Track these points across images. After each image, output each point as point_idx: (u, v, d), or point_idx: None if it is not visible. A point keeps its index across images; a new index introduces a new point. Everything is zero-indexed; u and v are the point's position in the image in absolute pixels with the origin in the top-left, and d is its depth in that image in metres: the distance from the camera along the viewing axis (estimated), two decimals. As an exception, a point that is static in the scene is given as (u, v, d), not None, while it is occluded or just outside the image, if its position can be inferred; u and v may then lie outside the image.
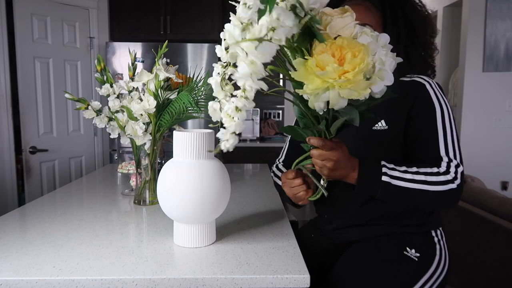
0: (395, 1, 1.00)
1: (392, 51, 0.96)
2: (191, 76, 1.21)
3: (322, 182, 0.89)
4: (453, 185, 0.86)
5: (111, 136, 1.25)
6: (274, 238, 0.96)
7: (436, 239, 1.01)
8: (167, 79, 1.16)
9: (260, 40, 0.59)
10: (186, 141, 0.86)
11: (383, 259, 0.96)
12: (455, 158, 0.89)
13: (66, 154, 2.84)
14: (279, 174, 1.17)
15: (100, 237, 0.96)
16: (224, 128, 0.68)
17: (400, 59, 0.74)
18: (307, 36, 0.63)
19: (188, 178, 0.84)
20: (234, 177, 1.76)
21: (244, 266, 0.80)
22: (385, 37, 0.71)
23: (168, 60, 1.18)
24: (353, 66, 0.61)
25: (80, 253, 0.86)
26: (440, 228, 1.04)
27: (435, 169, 0.87)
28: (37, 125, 2.62)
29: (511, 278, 1.60)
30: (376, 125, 0.98)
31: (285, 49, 0.69)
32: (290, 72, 0.66)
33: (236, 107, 0.64)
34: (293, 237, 0.96)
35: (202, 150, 0.86)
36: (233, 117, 0.65)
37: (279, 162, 1.24)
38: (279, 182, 1.13)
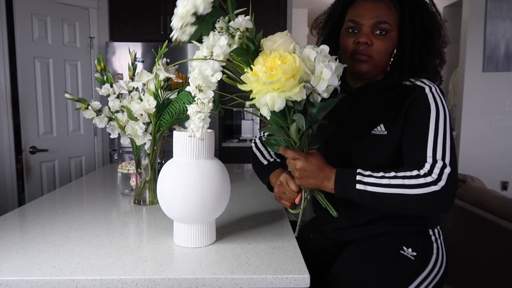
0: (414, 5, 1.00)
1: (407, 54, 1.00)
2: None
3: (305, 194, 0.92)
4: (436, 187, 0.82)
5: (111, 136, 1.26)
6: (274, 238, 0.96)
7: (433, 238, 1.01)
8: (167, 79, 1.16)
9: (204, 58, 0.77)
10: (186, 141, 0.86)
11: (380, 258, 0.96)
12: (442, 159, 0.86)
13: (66, 154, 2.84)
14: (262, 149, 1.20)
15: (100, 237, 0.96)
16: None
17: (344, 65, 0.85)
18: (246, 52, 0.78)
19: (188, 178, 0.84)
20: (234, 177, 1.77)
21: (244, 266, 0.80)
22: (325, 48, 0.81)
23: (168, 60, 1.18)
24: (280, 69, 0.73)
25: (80, 253, 0.86)
26: (438, 227, 1.04)
27: (415, 172, 0.85)
28: (37, 125, 2.62)
29: (511, 278, 1.60)
30: (375, 129, 0.97)
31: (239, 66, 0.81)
32: (238, 85, 0.79)
33: (197, 111, 0.81)
34: (293, 237, 0.97)
35: (202, 150, 0.86)
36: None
37: (263, 135, 1.24)
38: (260, 157, 1.17)
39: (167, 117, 1.16)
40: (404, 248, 0.97)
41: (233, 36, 0.76)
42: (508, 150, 3.40)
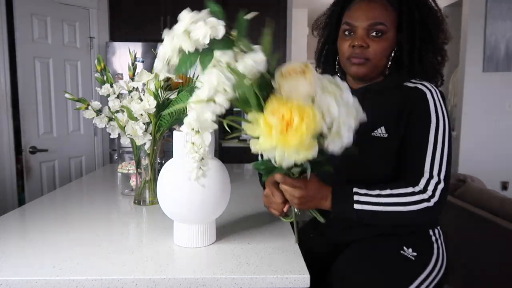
0: (413, 2, 0.98)
1: (406, 54, 0.98)
2: (191, 76, 1.21)
3: (296, 210, 0.93)
4: (429, 204, 0.86)
5: (111, 136, 1.26)
6: (274, 238, 0.96)
7: (433, 238, 1.01)
8: (167, 79, 1.16)
9: (207, 101, 0.67)
10: (186, 141, 0.86)
11: (380, 258, 0.96)
12: (438, 175, 0.88)
13: (66, 154, 2.84)
14: None
15: (100, 237, 0.96)
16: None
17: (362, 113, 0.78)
18: (254, 96, 0.67)
19: (188, 178, 0.84)
20: (234, 177, 1.76)
21: (244, 266, 0.80)
22: (350, 99, 0.74)
23: (168, 60, 1.18)
24: (298, 133, 0.65)
25: (80, 253, 0.86)
26: (438, 227, 1.04)
27: (410, 189, 0.88)
28: (37, 125, 2.61)
29: (511, 278, 1.60)
30: (376, 131, 0.97)
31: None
32: (244, 126, 0.71)
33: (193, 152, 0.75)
34: (293, 237, 0.96)
35: (202, 150, 0.86)
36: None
37: None
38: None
39: (167, 117, 1.16)
40: (405, 248, 0.97)
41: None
42: (508, 150, 3.40)
